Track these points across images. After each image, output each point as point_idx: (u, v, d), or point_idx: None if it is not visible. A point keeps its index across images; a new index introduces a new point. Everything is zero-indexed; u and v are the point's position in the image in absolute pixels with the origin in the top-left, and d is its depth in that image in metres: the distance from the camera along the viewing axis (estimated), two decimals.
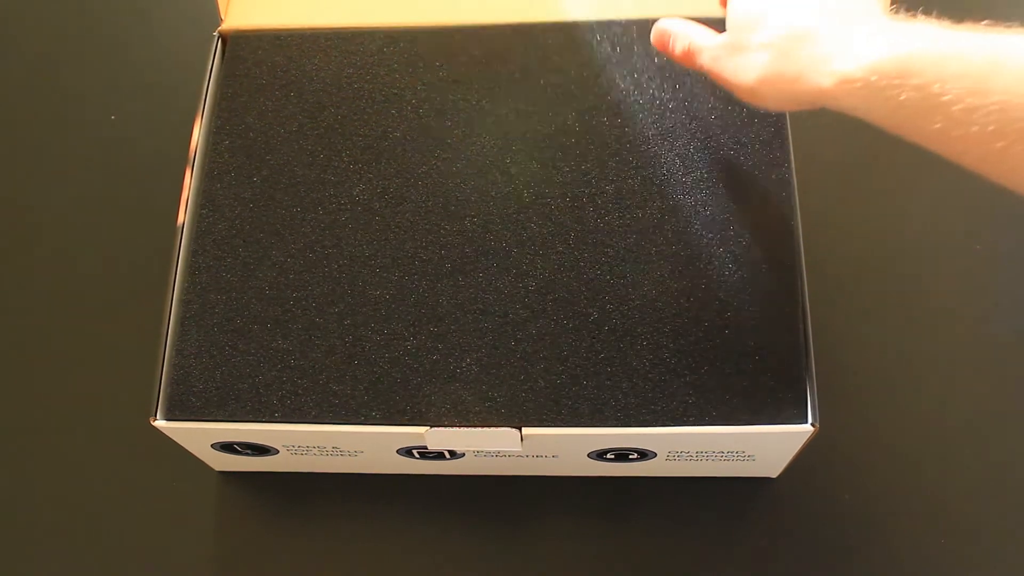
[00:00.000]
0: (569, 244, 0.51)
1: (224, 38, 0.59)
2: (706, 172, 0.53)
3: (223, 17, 0.59)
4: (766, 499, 0.57)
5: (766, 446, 0.51)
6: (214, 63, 0.58)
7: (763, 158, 0.53)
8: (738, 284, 0.50)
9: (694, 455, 0.53)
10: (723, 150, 0.53)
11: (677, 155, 0.53)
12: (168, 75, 0.72)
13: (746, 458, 0.53)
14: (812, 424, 0.47)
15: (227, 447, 0.53)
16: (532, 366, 0.49)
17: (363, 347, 0.50)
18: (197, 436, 0.52)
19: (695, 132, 0.54)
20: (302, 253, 0.52)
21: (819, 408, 0.48)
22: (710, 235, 0.51)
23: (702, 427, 0.49)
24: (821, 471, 0.57)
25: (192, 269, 0.53)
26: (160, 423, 0.50)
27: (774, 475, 0.57)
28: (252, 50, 0.58)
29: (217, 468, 0.58)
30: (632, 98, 0.55)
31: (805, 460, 0.53)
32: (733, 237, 0.51)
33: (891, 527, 0.56)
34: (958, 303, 0.62)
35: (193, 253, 0.53)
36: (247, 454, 0.54)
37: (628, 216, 0.52)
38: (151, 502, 0.58)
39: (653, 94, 0.55)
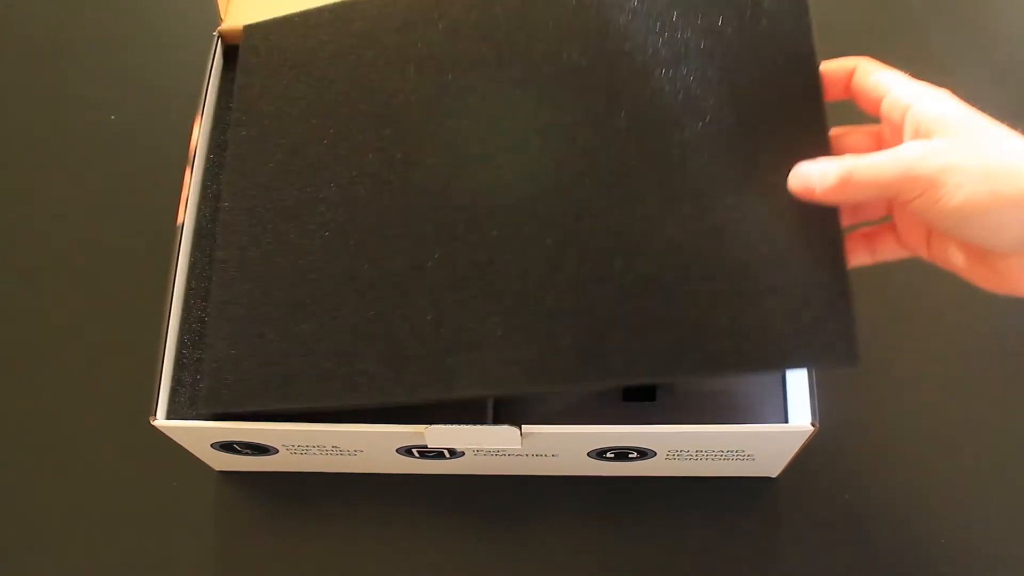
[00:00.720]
0: (586, 189, 0.48)
1: (224, 37, 0.59)
2: (731, 101, 0.48)
3: (223, 17, 0.59)
4: (766, 499, 0.57)
5: (766, 445, 0.51)
6: (214, 62, 0.58)
7: (792, 87, 0.47)
8: (769, 220, 0.46)
9: (694, 454, 0.53)
10: (749, 76, 0.48)
11: (697, 82, 0.49)
12: (168, 75, 0.72)
13: (746, 457, 0.53)
14: (812, 424, 0.47)
15: (227, 447, 0.53)
16: (557, 323, 0.47)
17: (383, 324, 0.49)
18: (197, 436, 0.52)
19: (717, 57, 0.49)
20: (318, 233, 0.51)
21: (819, 408, 0.48)
22: (736, 169, 0.47)
23: (701, 426, 0.49)
24: (821, 471, 0.57)
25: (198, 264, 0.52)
26: (160, 422, 0.50)
27: (774, 475, 0.57)
28: (264, 38, 0.57)
29: (217, 468, 0.58)
30: (647, 25, 0.50)
31: (805, 460, 0.53)
32: (761, 172, 0.46)
33: (891, 527, 0.56)
34: (958, 302, 0.62)
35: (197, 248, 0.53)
36: (247, 454, 0.54)
37: (646, 152, 0.48)
38: (151, 502, 0.58)
39: (669, 22, 0.50)
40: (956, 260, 0.43)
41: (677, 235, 0.46)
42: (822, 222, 0.44)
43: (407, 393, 0.47)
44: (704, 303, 0.45)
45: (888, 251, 0.46)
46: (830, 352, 0.43)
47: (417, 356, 0.48)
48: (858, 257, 0.46)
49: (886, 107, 0.43)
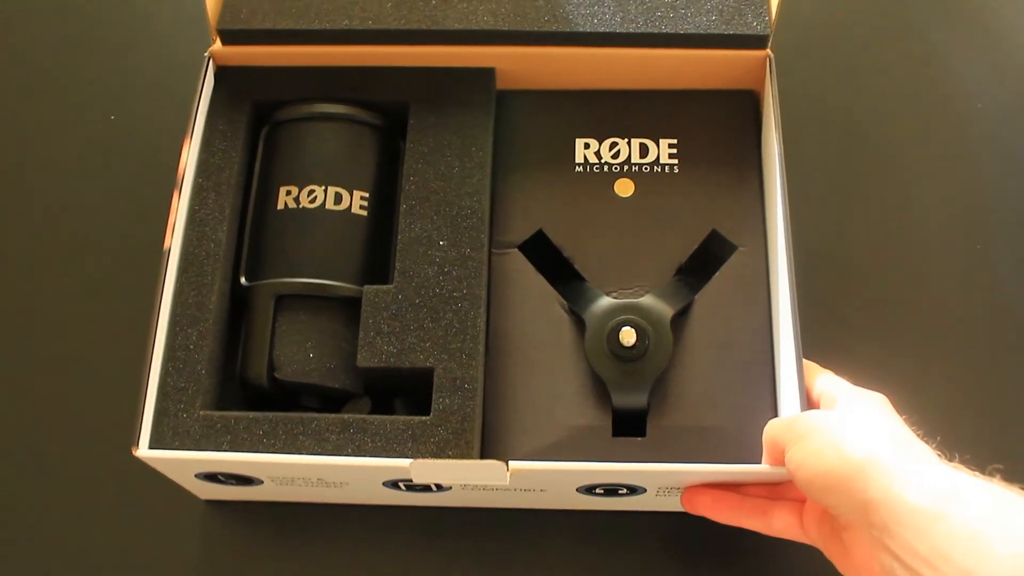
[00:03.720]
0: None
1: (215, 59, 0.58)
2: None
3: (214, 37, 0.58)
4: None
5: (755, 482, 0.50)
6: (204, 84, 0.57)
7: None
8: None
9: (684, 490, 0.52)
10: None
11: None
12: (168, 75, 0.71)
13: None
14: None
15: (211, 477, 0.52)
16: None
17: None
18: (180, 467, 0.51)
19: None
20: None
21: None
22: None
23: (692, 465, 0.48)
24: None
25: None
26: (142, 453, 0.49)
27: None
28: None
29: (203, 497, 0.57)
30: None
31: None
32: None
33: None
34: (958, 303, 0.62)
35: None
36: (231, 484, 0.53)
37: None
38: (136, 531, 0.57)
39: None
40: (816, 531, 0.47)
41: None
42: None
43: None
44: None
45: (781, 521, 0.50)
46: None
47: None
48: (752, 522, 0.50)
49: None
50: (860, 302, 0.62)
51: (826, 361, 0.50)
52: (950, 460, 0.43)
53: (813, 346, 0.50)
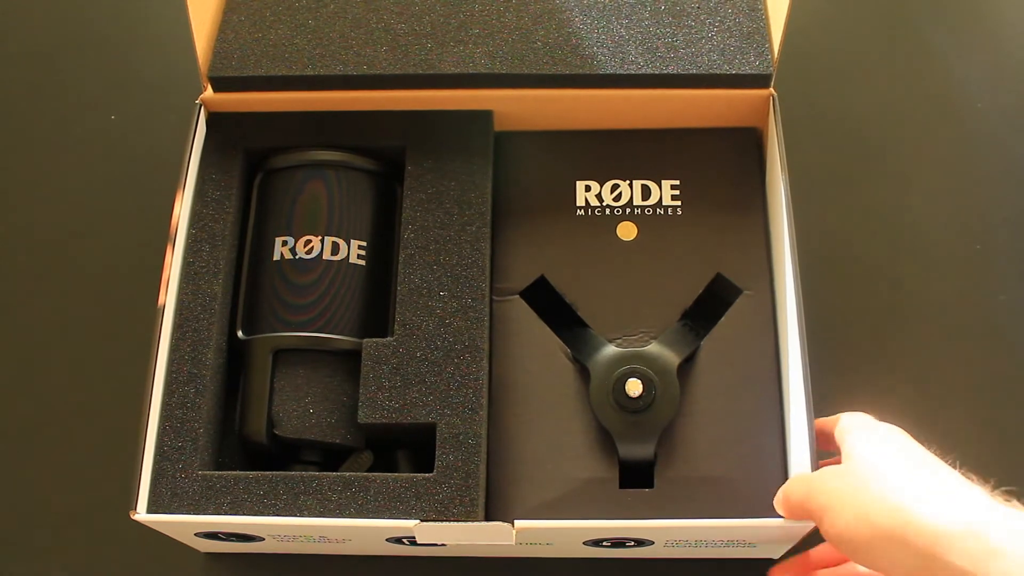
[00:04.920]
0: None
1: (206, 106, 0.57)
2: None
3: (205, 84, 0.57)
4: None
5: (768, 536, 0.50)
6: (196, 133, 0.56)
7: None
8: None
9: (693, 543, 0.51)
10: None
11: None
12: (169, 74, 0.70)
13: (746, 545, 0.51)
14: None
15: (211, 535, 0.51)
16: None
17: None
18: (179, 528, 0.50)
19: None
20: None
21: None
22: None
23: (700, 521, 0.47)
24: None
25: None
26: (141, 516, 0.48)
27: (776, 556, 0.55)
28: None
29: (203, 551, 0.57)
30: None
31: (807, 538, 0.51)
32: None
33: None
34: (958, 303, 0.62)
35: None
36: (232, 540, 0.52)
37: None
38: None
39: None
40: None
41: None
42: None
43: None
44: None
45: None
46: None
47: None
48: None
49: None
50: (856, 305, 0.62)
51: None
52: (985, 484, 0.41)
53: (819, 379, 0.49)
